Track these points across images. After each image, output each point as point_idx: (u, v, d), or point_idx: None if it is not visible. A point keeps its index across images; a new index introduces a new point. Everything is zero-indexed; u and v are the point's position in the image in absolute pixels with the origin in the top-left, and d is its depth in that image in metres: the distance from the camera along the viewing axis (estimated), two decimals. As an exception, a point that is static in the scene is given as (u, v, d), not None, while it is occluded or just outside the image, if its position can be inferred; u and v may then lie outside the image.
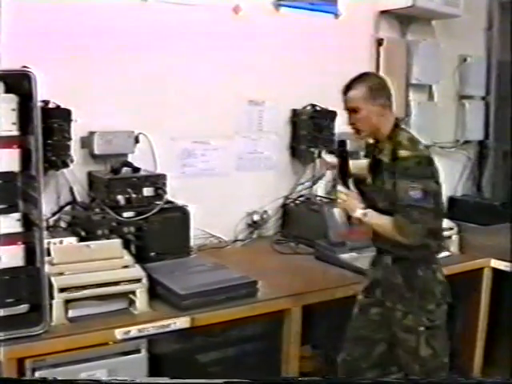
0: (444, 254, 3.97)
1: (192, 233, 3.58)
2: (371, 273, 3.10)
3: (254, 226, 4.22)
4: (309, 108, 4.34)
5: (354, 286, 3.40)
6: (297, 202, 4.35)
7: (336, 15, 4.53)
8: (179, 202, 3.53)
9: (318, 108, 4.34)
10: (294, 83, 4.29)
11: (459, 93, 5.41)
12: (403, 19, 4.92)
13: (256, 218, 4.21)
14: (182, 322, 2.84)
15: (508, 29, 5.51)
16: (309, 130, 4.28)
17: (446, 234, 4.04)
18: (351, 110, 2.99)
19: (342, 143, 3.13)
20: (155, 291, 2.99)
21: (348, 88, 3.06)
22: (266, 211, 4.26)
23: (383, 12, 4.80)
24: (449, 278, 3.61)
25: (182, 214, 3.46)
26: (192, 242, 3.63)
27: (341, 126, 4.37)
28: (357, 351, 3.14)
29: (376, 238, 3.00)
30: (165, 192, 3.44)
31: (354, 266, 3.55)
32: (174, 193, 3.57)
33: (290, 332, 3.22)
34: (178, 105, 3.85)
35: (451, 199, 5.23)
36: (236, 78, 4.06)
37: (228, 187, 4.09)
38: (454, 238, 4.07)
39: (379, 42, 4.78)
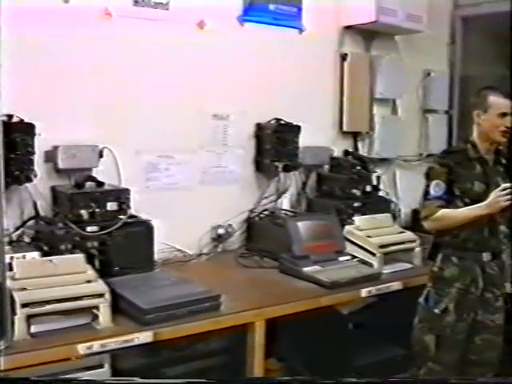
0: (406, 266, 4.06)
1: (156, 247, 3.59)
2: None
3: (218, 239, 4.22)
4: (273, 122, 4.36)
5: (317, 298, 3.45)
6: (261, 215, 4.36)
7: (300, 30, 4.57)
8: (143, 216, 3.53)
9: (282, 122, 4.36)
10: (259, 98, 4.32)
11: (423, 107, 5.48)
12: (367, 34, 4.99)
13: (221, 231, 4.22)
14: (144, 337, 2.83)
15: (470, 43, 5.61)
16: (273, 144, 4.30)
17: (408, 246, 4.12)
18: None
19: None
20: (118, 306, 2.97)
21: None
22: (230, 225, 4.26)
23: (347, 27, 4.86)
24: (412, 290, 3.68)
25: (146, 228, 3.45)
26: (156, 256, 3.64)
27: (305, 140, 4.44)
28: None
29: None
30: (128, 206, 3.43)
31: (318, 278, 3.57)
32: (138, 207, 3.57)
33: (254, 345, 3.22)
34: (142, 119, 3.86)
35: (415, 211, 5.27)
36: (201, 92, 4.08)
37: (192, 201, 4.09)
38: (417, 250, 4.11)
39: (343, 57, 4.84)
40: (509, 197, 3.12)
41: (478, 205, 3.22)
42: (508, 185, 3.15)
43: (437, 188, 3.26)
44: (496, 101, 3.31)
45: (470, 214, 3.26)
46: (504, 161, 3.43)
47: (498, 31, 5.55)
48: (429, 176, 3.33)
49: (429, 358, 3.41)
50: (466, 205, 3.27)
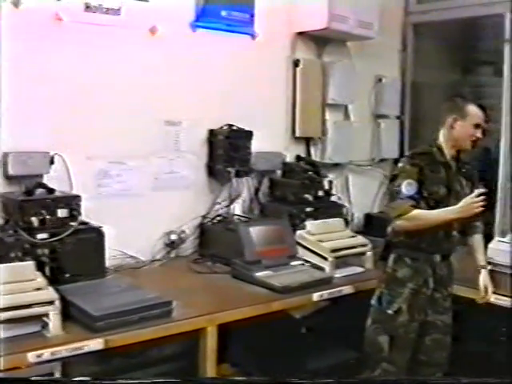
0: (358, 270, 4.11)
1: (108, 253, 3.57)
2: None
3: (171, 245, 4.21)
4: (225, 128, 4.37)
5: (269, 303, 3.47)
6: (214, 221, 4.36)
7: (253, 36, 4.59)
8: (95, 222, 3.51)
9: (234, 128, 4.38)
10: (211, 103, 4.33)
11: (374, 112, 5.54)
12: (319, 41, 5.02)
13: (173, 237, 4.21)
14: (95, 344, 2.82)
15: (421, 50, 5.69)
16: (225, 150, 4.31)
17: (360, 250, 4.17)
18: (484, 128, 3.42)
19: None
20: (69, 313, 2.96)
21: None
22: (183, 231, 4.26)
23: (299, 33, 4.89)
24: (364, 293, 3.73)
25: (97, 234, 3.43)
26: (108, 263, 3.62)
27: (257, 145, 4.46)
28: None
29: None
30: (79, 213, 3.41)
31: (269, 283, 3.59)
32: (89, 214, 3.55)
33: (207, 351, 3.23)
34: (94, 125, 3.84)
35: (367, 216, 5.35)
36: (153, 98, 4.08)
37: (145, 207, 4.08)
38: (369, 254, 4.17)
39: (295, 63, 4.87)
40: (482, 203, 3.18)
41: (452, 208, 3.28)
42: (482, 190, 3.21)
43: (409, 187, 3.27)
44: (474, 111, 3.41)
45: (444, 217, 3.31)
46: (464, 169, 3.52)
47: (448, 38, 5.67)
48: (399, 175, 3.34)
49: (383, 358, 3.45)
50: (430, 207, 3.32)
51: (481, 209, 3.19)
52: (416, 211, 3.26)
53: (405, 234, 3.37)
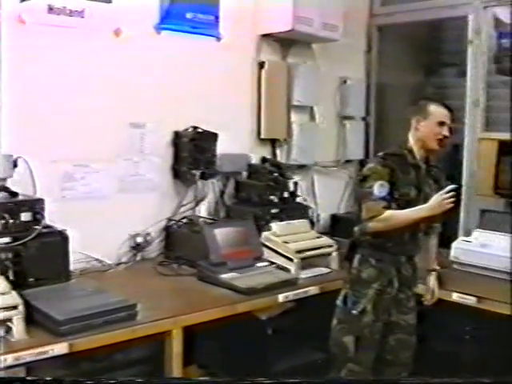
0: (323, 270, 4.13)
1: (73, 257, 3.55)
2: None
3: (137, 248, 4.20)
4: (190, 130, 4.37)
5: (234, 305, 3.48)
6: (179, 223, 4.35)
7: (218, 38, 4.60)
8: (59, 226, 3.49)
9: (199, 130, 4.37)
10: (176, 105, 4.32)
11: (340, 114, 5.55)
12: (284, 43, 5.04)
13: (139, 240, 4.20)
14: (59, 348, 2.81)
15: (386, 52, 5.73)
16: (190, 152, 4.31)
17: (326, 251, 4.19)
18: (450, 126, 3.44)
19: None
20: (33, 318, 2.94)
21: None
22: (149, 233, 4.25)
23: (264, 36, 4.90)
24: (330, 294, 3.75)
25: (61, 238, 3.41)
26: (73, 267, 3.60)
27: (223, 147, 4.46)
28: None
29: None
30: (43, 217, 3.38)
31: (234, 285, 3.60)
32: (54, 217, 3.52)
33: (172, 353, 3.23)
34: (58, 128, 3.82)
35: (334, 217, 5.37)
36: (117, 100, 4.06)
37: (110, 210, 4.06)
38: (334, 254, 4.19)
39: (261, 65, 4.88)
40: (452, 199, 3.22)
41: (421, 207, 3.32)
42: (452, 186, 3.24)
43: (381, 189, 3.29)
44: (436, 109, 3.44)
45: (415, 216, 3.35)
46: (432, 172, 3.55)
47: (412, 40, 5.73)
48: (370, 176, 3.35)
49: (348, 359, 3.47)
50: (401, 209, 3.34)
51: (451, 205, 3.23)
52: (388, 212, 3.29)
53: (373, 234, 3.38)
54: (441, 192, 3.25)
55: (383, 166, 3.36)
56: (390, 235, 3.38)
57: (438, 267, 3.78)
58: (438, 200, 3.23)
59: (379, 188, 3.29)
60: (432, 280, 3.73)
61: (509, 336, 3.75)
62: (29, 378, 1.83)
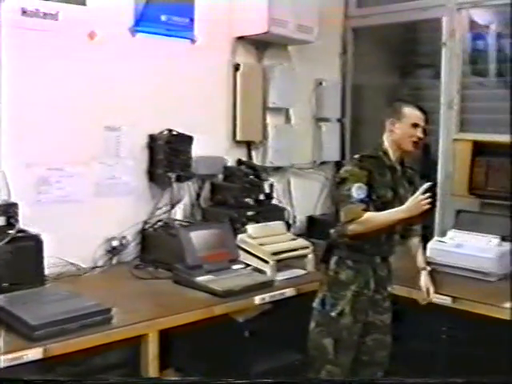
0: (299, 272, 4.13)
1: (48, 261, 3.55)
2: None
3: (113, 252, 4.18)
4: (166, 133, 4.35)
5: (210, 308, 3.47)
6: (155, 226, 4.34)
7: (193, 41, 4.59)
8: (34, 230, 3.48)
9: (175, 133, 4.36)
10: (151, 108, 4.31)
11: (315, 115, 5.56)
12: (259, 45, 5.04)
13: (115, 243, 4.18)
14: (34, 354, 2.79)
15: (361, 53, 5.76)
16: (166, 155, 4.30)
17: (302, 252, 4.20)
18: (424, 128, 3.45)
19: None
20: (7, 323, 2.92)
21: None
22: (124, 237, 4.23)
23: (239, 38, 4.90)
24: (306, 295, 3.76)
25: (35, 242, 3.40)
26: (48, 271, 3.60)
27: (198, 150, 4.46)
28: None
29: None
30: (17, 221, 3.37)
31: (211, 288, 3.60)
32: (28, 221, 3.51)
33: (148, 357, 3.22)
34: (32, 131, 3.79)
35: (310, 218, 5.38)
36: (92, 103, 4.05)
37: (85, 214, 4.04)
38: (310, 256, 4.20)
39: (236, 67, 4.87)
40: (429, 200, 3.23)
41: (398, 208, 3.32)
42: (428, 185, 3.24)
43: (359, 191, 3.28)
44: (410, 111, 3.43)
45: (393, 217, 3.34)
46: (407, 174, 3.56)
47: (387, 42, 5.75)
48: (348, 179, 3.34)
49: (327, 361, 3.47)
50: (377, 210, 3.34)
51: (428, 206, 3.24)
52: (367, 214, 3.28)
53: (351, 236, 3.38)
54: (417, 193, 3.26)
55: (360, 168, 3.36)
56: (367, 237, 3.39)
57: (427, 266, 3.78)
58: (415, 201, 3.23)
59: (357, 190, 3.28)
60: (424, 279, 3.72)
61: (484, 335, 3.79)
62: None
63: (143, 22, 4.30)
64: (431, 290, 3.69)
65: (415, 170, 3.65)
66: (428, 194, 3.21)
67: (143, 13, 4.29)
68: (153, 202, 4.44)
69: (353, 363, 3.53)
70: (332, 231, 3.53)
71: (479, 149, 4.86)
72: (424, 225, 3.88)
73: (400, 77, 5.81)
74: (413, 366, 4.11)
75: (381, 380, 3.35)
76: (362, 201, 3.28)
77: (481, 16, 5.05)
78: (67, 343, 2.90)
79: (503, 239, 4.25)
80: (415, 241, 3.76)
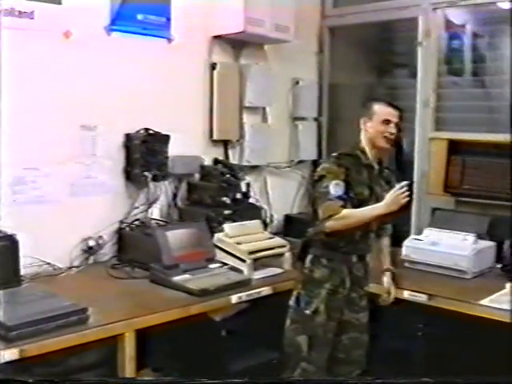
0: (276, 271, 4.14)
1: (24, 261, 3.53)
2: None
3: (89, 251, 4.16)
4: (142, 132, 4.34)
5: (187, 307, 3.47)
6: (132, 226, 4.33)
7: (169, 40, 4.58)
8: (9, 230, 3.46)
9: (151, 132, 4.35)
10: (128, 108, 4.30)
11: (292, 115, 5.57)
12: (236, 44, 5.04)
13: (91, 243, 4.16)
14: (10, 354, 2.77)
15: (338, 53, 5.78)
16: (142, 154, 4.28)
17: (278, 251, 4.20)
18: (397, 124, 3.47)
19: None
20: (-18, 324, 2.91)
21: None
22: (101, 236, 4.21)
23: (216, 37, 4.89)
24: (283, 294, 3.77)
25: (11, 242, 3.38)
26: (24, 271, 3.58)
27: (175, 149, 4.45)
28: None
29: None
30: (-8, 221, 3.36)
31: (188, 287, 3.60)
32: (4, 222, 3.49)
33: (125, 357, 3.20)
34: (6, 131, 3.73)
35: (287, 217, 5.39)
36: (68, 102, 4.02)
37: (62, 213, 4.02)
38: (287, 255, 4.20)
39: (212, 67, 4.87)
40: (407, 194, 3.25)
41: (376, 205, 3.36)
42: (405, 183, 3.27)
43: (337, 188, 3.30)
44: (380, 108, 3.46)
45: (370, 214, 3.38)
46: (384, 173, 3.59)
47: (363, 41, 5.78)
48: (326, 176, 3.36)
49: (302, 358, 3.49)
50: (354, 208, 3.36)
51: (406, 199, 3.26)
52: (345, 211, 3.30)
53: (329, 234, 3.38)
54: (395, 188, 3.29)
55: (338, 165, 3.39)
56: (344, 234, 3.41)
57: (392, 267, 3.82)
58: (393, 196, 3.26)
59: (335, 187, 3.31)
60: (387, 279, 3.77)
61: (459, 333, 3.83)
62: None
63: (119, 20, 4.28)
64: (392, 291, 3.74)
65: (392, 170, 3.68)
66: (406, 189, 3.25)
67: (119, 12, 4.27)
68: (129, 201, 4.43)
69: (329, 361, 3.55)
70: (309, 230, 3.54)
71: (455, 147, 4.89)
72: (399, 223, 3.92)
73: (376, 76, 5.84)
74: (390, 364, 4.15)
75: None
76: (339, 198, 3.31)
77: (456, 16, 5.09)
78: (43, 344, 2.88)
79: (478, 237, 4.30)
80: (384, 240, 3.81)
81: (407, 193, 3.25)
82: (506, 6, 4.81)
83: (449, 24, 5.12)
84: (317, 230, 3.44)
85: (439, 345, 4.04)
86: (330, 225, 3.32)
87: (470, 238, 4.24)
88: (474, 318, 3.58)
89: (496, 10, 4.90)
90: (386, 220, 3.61)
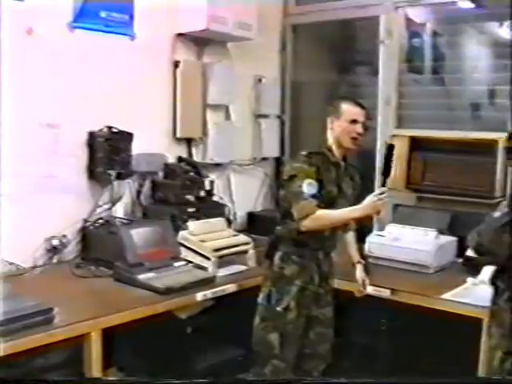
0: (241, 268, 4.16)
1: (-15, 261, 3.50)
2: None
3: (53, 251, 4.13)
4: (105, 130, 4.32)
5: (153, 305, 3.47)
6: (96, 224, 4.29)
7: (132, 37, 4.56)
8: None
9: (114, 130, 4.33)
10: (91, 105, 4.27)
11: (255, 112, 5.59)
12: (199, 42, 5.04)
13: (55, 242, 4.12)
14: (-26, 356, 2.76)
15: (300, 50, 5.81)
16: (106, 152, 4.26)
17: (242, 248, 4.22)
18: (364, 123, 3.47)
19: (392, 146, 3.43)
20: None
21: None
22: (65, 235, 4.18)
23: (179, 35, 4.89)
24: (248, 291, 3.79)
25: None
26: (-14, 272, 3.55)
27: (138, 147, 4.44)
28: None
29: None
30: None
31: (153, 285, 3.59)
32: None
33: (92, 356, 3.19)
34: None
35: (250, 215, 5.41)
36: (31, 100, 3.99)
37: (24, 212, 3.97)
38: (251, 252, 4.23)
39: (175, 64, 4.87)
40: (386, 200, 3.29)
41: (353, 208, 3.38)
42: (384, 189, 3.30)
43: (310, 187, 3.30)
44: (348, 108, 3.46)
45: (348, 215, 3.42)
46: (349, 169, 3.61)
47: (326, 39, 5.82)
48: (298, 176, 3.36)
49: (273, 356, 3.50)
50: (325, 205, 3.36)
51: (383, 206, 3.32)
52: (321, 211, 3.32)
53: (299, 232, 3.40)
54: (374, 193, 3.32)
55: (309, 164, 3.39)
56: (316, 232, 3.44)
57: (362, 260, 3.85)
58: (372, 201, 3.29)
59: (308, 186, 3.31)
60: (360, 272, 3.79)
61: (421, 326, 3.89)
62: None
63: (82, 18, 4.25)
64: (367, 282, 3.77)
65: (355, 166, 3.71)
66: (385, 195, 3.29)
67: (82, 9, 4.24)
68: (93, 199, 4.40)
69: (296, 357, 3.58)
70: (277, 228, 3.56)
71: (416, 144, 4.95)
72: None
73: (339, 74, 5.88)
74: (355, 358, 4.21)
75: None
76: (313, 197, 3.32)
77: (417, 14, 5.15)
78: (8, 344, 2.85)
79: (440, 232, 4.36)
80: (350, 234, 3.83)
81: (386, 199, 3.30)
82: (465, 5, 4.90)
83: (410, 23, 5.18)
84: (289, 228, 3.46)
85: (402, 339, 4.11)
86: (307, 224, 3.33)
87: (432, 233, 4.31)
88: (437, 311, 3.65)
89: (456, 9, 4.98)
90: (363, 220, 3.65)
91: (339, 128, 3.46)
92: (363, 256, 3.96)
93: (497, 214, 3.02)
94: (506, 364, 3.00)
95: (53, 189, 4.14)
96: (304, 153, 3.49)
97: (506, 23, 4.71)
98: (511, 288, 3.06)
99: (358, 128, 3.44)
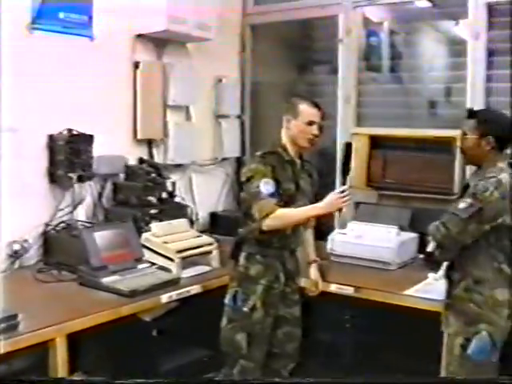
0: (205, 269, 4.16)
1: None
2: None
3: (14, 255, 4.07)
4: (65, 132, 4.27)
5: (118, 308, 3.45)
6: (57, 228, 4.26)
7: (91, 38, 4.53)
8: None
9: (74, 132, 4.28)
10: (50, 108, 4.23)
11: (215, 112, 5.60)
12: (159, 42, 5.03)
13: (16, 247, 4.06)
14: None
15: (260, 51, 5.83)
16: (66, 155, 4.22)
17: (206, 249, 4.22)
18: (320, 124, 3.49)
19: (350, 145, 3.51)
20: None
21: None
22: (26, 240, 4.13)
23: (139, 35, 4.86)
24: (212, 292, 3.80)
25: None
26: None
27: (99, 149, 4.41)
28: None
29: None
30: None
31: (117, 288, 3.58)
32: None
33: (57, 362, 3.16)
34: None
35: (212, 215, 5.42)
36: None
37: (-16, 217, 3.94)
38: (215, 252, 4.23)
39: (135, 65, 4.84)
40: (347, 198, 3.32)
41: (314, 205, 3.41)
42: (346, 187, 3.34)
43: (268, 186, 3.33)
44: (305, 109, 3.48)
45: (309, 213, 3.46)
46: (306, 167, 3.64)
47: (285, 38, 5.85)
48: (254, 176, 3.38)
49: (241, 356, 3.52)
50: (284, 204, 3.40)
51: (346, 204, 3.35)
52: (281, 210, 3.34)
53: (261, 232, 3.41)
54: (335, 191, 3.35)
55: (264, 164, 3.42)
56: (278, 231, 3.45)
57: (317, 258, 3.88)
58: (333, 199, 3.33)
59: (265, 186, 3.34)
60: (314, 271, 3.83)
61: (385, 322, 3.94)
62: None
63: (40, 19, 4.20)
64: (320, 282, 3.83)
65: (312, 163, 3.74)
66: (346, 193, 3.32)
67: (40, 10, 4.19)
68: (54, 203, 4.35)
69: (264, 356, 3.59)
70: (240, 230, 3.56)
71: (376, 142, 5.01)
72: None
73: (298, 73, 5.91)
74: (321, 356, 4.24)
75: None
76: (271, 195, 3.34)
77: (374, 13, 5.21)
78: (-27, 352, 2.83)
79: (401, 229, 4.42)
80: (309, 233, 3.86)
81: (347, 197, 3.33)
82: (422, 4, 4.96)
83: (367, 21, 5.23)
84: (251, 229, 3.47)
85: (367, 336, 4.15)
86: (268, 223, 3.35)
87: (393, 230, 4.36)
88: (400, 307, 3.70)
89: (412, 8, 5.05)
90: (324, 218, 3.68)
91: (295, 128, 3.49)
92: (320, 255, 4.00)
93: (461, 205, 3.06)
94: (468, 350, 3.09)
95: (13, 193, 4.06)
96: (259, 153, 3.53)
97: (462, 21, 4.78)
98: (467, 278, 3.14)
99: (315, 130, 3.47)
